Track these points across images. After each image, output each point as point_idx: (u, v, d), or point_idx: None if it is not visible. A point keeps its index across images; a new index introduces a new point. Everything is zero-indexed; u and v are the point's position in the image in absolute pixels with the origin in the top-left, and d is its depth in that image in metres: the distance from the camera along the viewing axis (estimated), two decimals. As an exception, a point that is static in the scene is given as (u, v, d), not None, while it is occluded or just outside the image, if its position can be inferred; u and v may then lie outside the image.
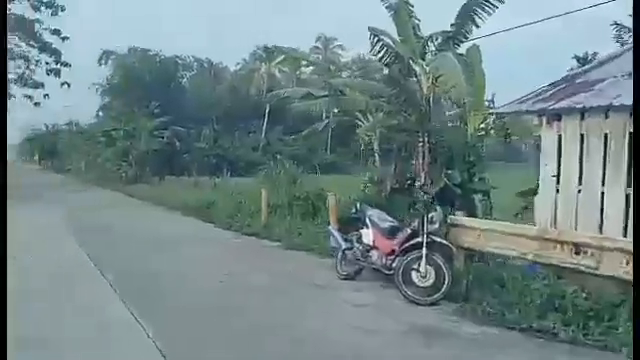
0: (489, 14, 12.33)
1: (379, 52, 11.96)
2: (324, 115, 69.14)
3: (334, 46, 68.74)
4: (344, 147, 68.61)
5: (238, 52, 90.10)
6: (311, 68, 70.36)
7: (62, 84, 33.92)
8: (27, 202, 19.93)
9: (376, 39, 11.88)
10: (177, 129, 32.27)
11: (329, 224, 11.69)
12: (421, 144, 12.21)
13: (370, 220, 8.87)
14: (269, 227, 13.63)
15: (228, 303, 7.65)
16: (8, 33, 30.07)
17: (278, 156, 63.44)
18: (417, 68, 12.65)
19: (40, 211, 17.21)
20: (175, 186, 24.42)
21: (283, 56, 65.44)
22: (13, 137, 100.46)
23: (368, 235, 8.82)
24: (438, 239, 7.88)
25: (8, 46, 31.26)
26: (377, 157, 15.46)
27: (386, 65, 12.50)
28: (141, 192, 23.09)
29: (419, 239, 7.86)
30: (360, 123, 15.27)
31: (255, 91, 63.84)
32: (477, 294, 7.45)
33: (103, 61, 58.15)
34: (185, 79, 64.55)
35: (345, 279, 9.01)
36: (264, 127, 62.37)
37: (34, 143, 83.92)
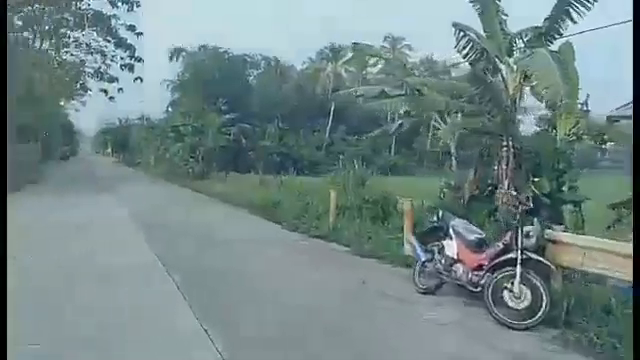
0: (588, 9, 11.25)
1: (464, 48, 11.07)
2: (389, 116, 68.94)
3: (402, 46, 67.47)
4: (408, 149, 67.52)
5: (305, 51, 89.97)
6: (378, 67, 69.40)
7: (135, 79, 34.81)
8: (100, 194, 20.65)
9: (461, 34, 11.03)
10: (243, 126, 32.31)
11: (402, 230, 11.00)
12: (505, 148, 11.29)
13: (454, 230, 8.10)
14: (337, 230, 13.06)
15: (298, 316, 7.06)
16: (87, 28, 31.27)
17: (341, 156, 62.70)
18: (503, 67, 11.75)
19: (112, 205, 17.53)
20: (241, 183, 24.42)
21: (351, 54, 65.49)
22: (89, 129, 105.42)
23: (452, 247, 8.06)
24: (535, 256, 7.00)
25: (86, 41, 32.54)
26: (454, 161, 14.56)
27: (470, 63, 11.61)
28: (208, 188, 23.19)
29: (512, 255, 7.02)
30: (437, 125, 14.43)
31: (321, 90, 63.68)
32: (579, 320, 6.58)
33: (174, 58, 59.63)
34: (252, 77, 65.23)
35: (424, 293, 8.28)
36: (328, 126, 62.09)
37: (108, 136, 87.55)
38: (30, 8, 27.54)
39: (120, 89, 36.40)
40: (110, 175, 38.49)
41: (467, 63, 11.83)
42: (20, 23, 27.81)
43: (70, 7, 30.27)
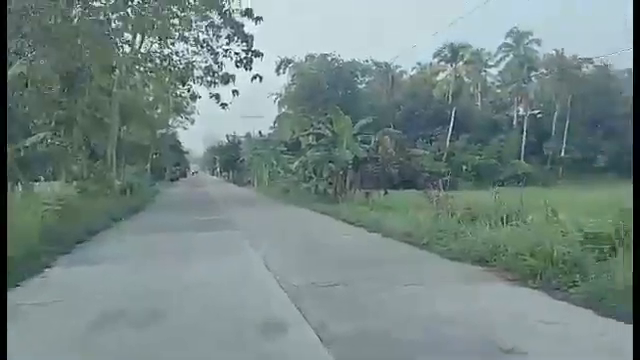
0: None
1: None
2: (515, 120, 61.63)
3: (529, 41, 59.88)
4: (536, 155, 59.90)
5: (418, 54, 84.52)
6: (502, 67, 62.58)
7: (253, 78, 28.49)
8: (221, 228, 16.10)
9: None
10: (392, 132, 27.35)
11: None
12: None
13: None
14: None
15: None
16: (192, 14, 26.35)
17: (463, 167, 55.76)
18: None
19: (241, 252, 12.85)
20: (380, 204, 19.53)
21: (468, 56, 59.46)
22: (199, 148, 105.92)
23: None
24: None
25: (193, 34, 27.37)
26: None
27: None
28: (342, 212, 18.48)
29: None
30: None
31: (439, 95, 57.93)
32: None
33: (281, 70, 56.69)
34: (364, 85, 60.99)
35: None
36: (449, 134, 56.15)
37: (216, 154, 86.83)
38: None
39: (235, 91, 29.38)
40: (226, 196, 34.93)
41: None
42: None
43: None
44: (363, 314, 5.89)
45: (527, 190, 31.28)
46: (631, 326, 5.08)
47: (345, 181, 24.60)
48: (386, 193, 23.42)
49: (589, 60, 60.18)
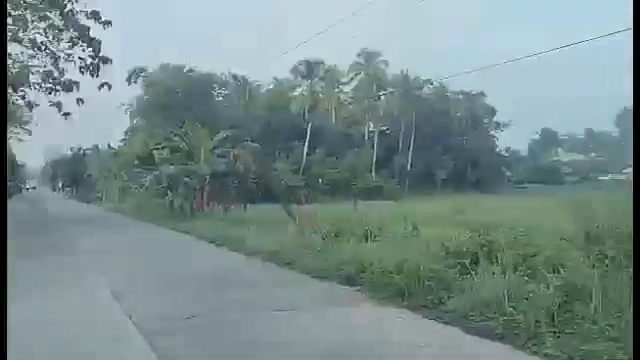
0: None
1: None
2: (367, 135, 64.80)
3: (378, 61, 63.48)
4: (386, 169, 63.48)
5: (273, 70, 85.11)
6: (354, 84, 65.39)
7: (101, 86, 25.84)
8: (62, 254, 14.32)
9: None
10: (251, 145, 26.75)
11: None
12: None
13: None
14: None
15: None
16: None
17: (320, 180, 57.24)
18: None
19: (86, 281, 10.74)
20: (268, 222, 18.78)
21: (323, 72, 61.34)
22: (38, 161, 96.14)
23: None
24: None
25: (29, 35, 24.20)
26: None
27: None
28: (201, 229, 17.56)
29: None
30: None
31: (296, 109, 58.79)
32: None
33: (133, 80, 53.70)
34: (221, 97, 60.00)
35: None
36: (305, 148, 57.21)
37: (57, 167, 79.42)
38: None
39: (80, 100, 26.87)
40: (70, 216, 31.64)
41: None
42: None
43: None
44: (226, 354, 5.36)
45: (379, 203, 32.92)
46: (499, 343, 5.21)
47: (203, 196, 23.64)
48: (246, 208, 22.95)
49: (429, 81, 65.39)
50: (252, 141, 35.39)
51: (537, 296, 5.39)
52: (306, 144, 57.26)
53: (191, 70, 54.02)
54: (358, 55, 63.69)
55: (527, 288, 5.71)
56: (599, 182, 73.06)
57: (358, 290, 7.85)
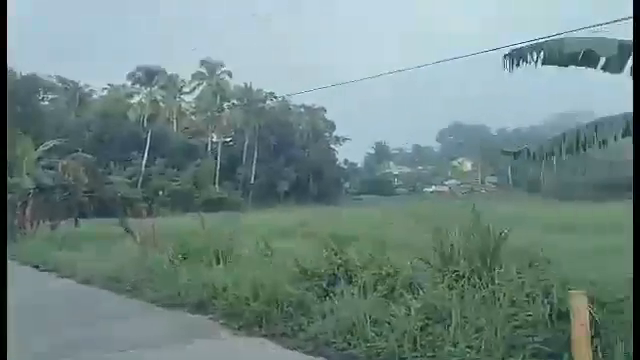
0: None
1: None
2: (210, 146, 63.42)
3: (221, 72, 62.73)
4: (230, 181, 62.66)
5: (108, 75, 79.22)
6: (196, 94, 63.77)
7: None
8: None
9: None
10: (83, 156, 24.02)
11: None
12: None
13: None
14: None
15: None
16: None
17: (160, 192, 54.46)
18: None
19: None
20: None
21: (163, 81, 58.91)
22: None
23: None
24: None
25: None
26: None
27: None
28: (25, 252, 15.33)
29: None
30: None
31: (134, 118, 55.50)
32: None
33: None
34: (46, 102, 54.40)
35: None
36: (144, 159, 54.20)
37: None
38: None
39: None
40: None
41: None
42: None
43: None
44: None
45: (223, 215, 32.10)
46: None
47: (25, 213, 20.86)
48: (77, 224, 20.81)
49: (272, 94, 66.24)
50: (83, 151, 32.49)
51: (399, 319, 5.35)
52: (145, 155, 54.24)
53: (10, 71, 48.12)
54: (201, 65, 62.45)
55: (388, 311, 5.65)
56: (424, 194, 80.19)
57: (211, 319, 7.28)
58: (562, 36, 5.33)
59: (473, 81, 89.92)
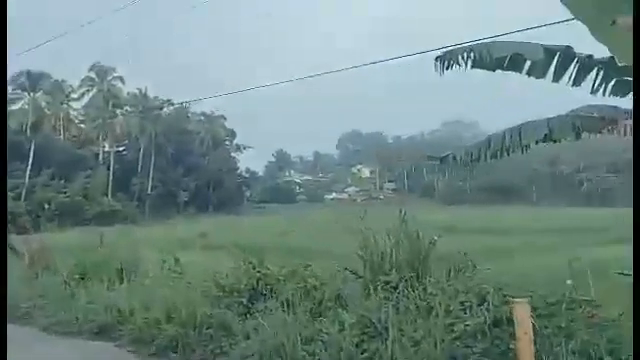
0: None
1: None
2: (102, 156, 59.76)
3: (112, 78, 59.32)
4: (124, 192, 59.30)
5: None
6: (85, 100, 59.91)
7: None
8: None
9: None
10: None
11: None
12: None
13: None
14: None
15: None
16: None
17: (46, 206, 50.76)
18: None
19: None
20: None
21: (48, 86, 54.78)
22: None
23: None
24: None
25: None
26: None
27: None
28: None
29: None
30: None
31: (16, 126, 50.81)
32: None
33: None
34: None
35: None
36: (28, 170, 49.91)
37: None
38: None
39: None
40: None
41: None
42: None
43: None
44: None
45: (118, 229, 30.23)
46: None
47: None
48: None
49: (170, 101, 63.86)
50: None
51: (332, 336, 5.01)
52: (29, 165, 49.96)
53: None
54: (90, 69, 58.70)
55: (319, 327, 5.30)
56: (325, 201, 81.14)
57: (117, 346, 6.52)
58: (494, 39, 5.33)
59: (372, 88, 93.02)
